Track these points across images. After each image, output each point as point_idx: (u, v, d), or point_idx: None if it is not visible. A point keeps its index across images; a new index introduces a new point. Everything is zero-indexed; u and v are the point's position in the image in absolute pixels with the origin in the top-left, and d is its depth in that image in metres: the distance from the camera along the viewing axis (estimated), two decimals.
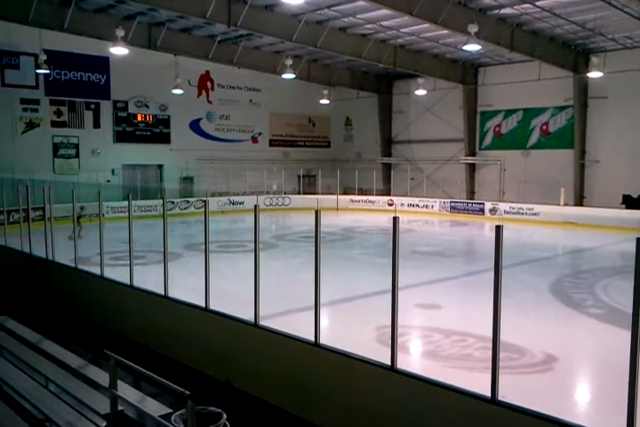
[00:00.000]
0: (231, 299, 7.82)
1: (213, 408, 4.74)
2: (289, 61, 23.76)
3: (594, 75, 21.06)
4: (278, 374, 6.35)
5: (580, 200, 25.13)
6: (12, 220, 15.41)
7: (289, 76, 23.93)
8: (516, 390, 4.91)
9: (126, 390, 5.25)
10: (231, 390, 6.66)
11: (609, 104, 24.32)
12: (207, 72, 29.43)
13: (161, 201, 18.40)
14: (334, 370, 5.80)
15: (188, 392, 3.94)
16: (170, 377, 4.30)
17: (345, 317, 9.43)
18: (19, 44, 23.17)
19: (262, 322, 6.59)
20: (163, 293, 8.03)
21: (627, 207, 21.67)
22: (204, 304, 7.27)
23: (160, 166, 28.25)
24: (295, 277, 11.78)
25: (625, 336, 4.02)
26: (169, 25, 22.20)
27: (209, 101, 30.04)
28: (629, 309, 3.95)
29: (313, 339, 5.91)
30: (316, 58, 27.90)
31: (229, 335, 7.03)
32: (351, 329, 8.47)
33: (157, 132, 28.06)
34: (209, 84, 29.98)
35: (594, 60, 21.49)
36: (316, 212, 5.82)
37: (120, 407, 4.86)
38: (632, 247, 3.98)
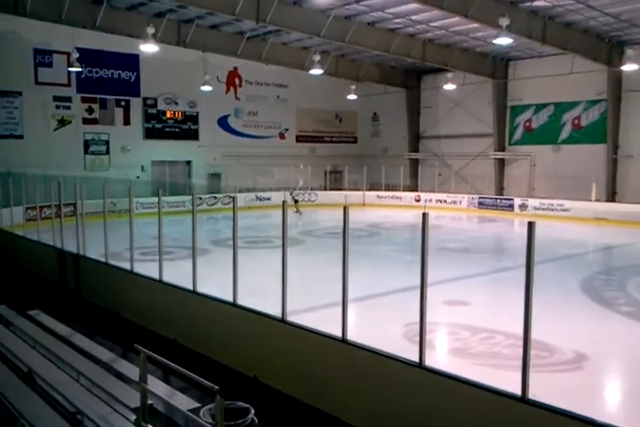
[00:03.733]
0: (259, 294, 7.86)
1: (241, 403, 4.78)
2: (317, 57, 23.71)
3: (628, 67, 20.59)
4: (305, 370, 6.36)
5: (612, 196, 24.60)
6: (44, 215, 15.73)
7: (317, 71, 23.88)
8: (545, 389, 4.84)
9: (156, 385, 5.33)
10: (258, 386, 6.70)
11: None
12: (235, 68, 29.57)
13: (189, 197, 18.58)
14: (361, 367, 5.79)
15: (216, 387, 3.97)
16: (198, 372, 4.34)
17: (372, 313, 9.40)
18: (52, 42, 23.61)
19: (289, 318, 6.61)
20: (191, 288, 8.11)
21: None
22: (231, 299, 7.32)
23: (188, 162, 28.53)
24: (322, 273, 11.74)
25: None
26: (198, 22, 22.34)
27: (237, 98, 30.19)
28: None
29: (340, 335, 5.91)
30: (343, 53, 27.79)
31: (257, 331, 7.07)
32: (378, 326, 8.44)
33: (186, 128, 28.33)
34: (237, 80, 30.13)
35: (628, 52, 21.00)
36: (345, 208, 5.81)
37: (150, 402, 4.93)
38: None
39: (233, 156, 28.59)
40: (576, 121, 26.33)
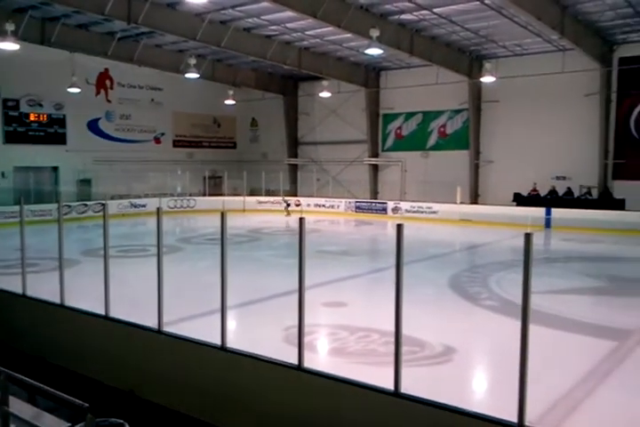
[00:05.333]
0: (134, 306, 7.59)
1: (115, 420, 4.58)
2: (192, 61, 23.34)
3: (486, 80, 22.25)
4: (184, 381, 6.23)
5: (475, 198, 26.51)
6: None
7: (192, 75, 23.49)
8: (417, 382, 5.11)
9: (19, 407, 4.95)
10: (135, 400, 6.46)
11: (500, 108, 25.83)
12: (106, 70, 28.25)
13: (56, 205, 17.49)
14: (242, 373, 5.78)
15: (86, 405, 3.78)
16: (71, 390, 4.11)
17: (253, 318, 9.40)
18: None
19: (167, 328, 6.45)
20: (59, 301, 7.65)
21: (517, 205, 23.08)
22: (103, 312, 7.00)
23: (55, 168, 26.81)
24: (201, 280, 11.57)
25: (516, 326, 4.30)
26: (64, 20, 21.12)
27: (108, 101, 28.87)
28: (520, 300, 4.24)
29: (219, 343, 5.86)
30: (220, 58, 27.58)
31: (132, 343, 6.82)
32: (259, 331, 8.45)
33: (52, 132, 26.60)
34: (108, 82, 28.81)
35: (487, 65, 22.70)
36: (222, 213, 5.78)
37: (12, 425, 4.58)
38: (522, 242, 4.27)
39: (105, 161, 27.25)
40: (442, 129, 28.08)
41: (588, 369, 7.00)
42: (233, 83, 29.78)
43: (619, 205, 21.39)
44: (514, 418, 4.14)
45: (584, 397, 6.22)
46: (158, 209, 6.44)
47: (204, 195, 29.97)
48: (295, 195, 30.11)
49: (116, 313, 6.98)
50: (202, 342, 6.08)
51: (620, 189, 22.97)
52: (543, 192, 23.59)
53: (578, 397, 6.19)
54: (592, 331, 8.83)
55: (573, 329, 8.86)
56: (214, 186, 31.57)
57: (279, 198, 28.78)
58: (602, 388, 6.53)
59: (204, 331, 6.30)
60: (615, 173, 23.56)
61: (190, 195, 29.09)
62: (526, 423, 4.13)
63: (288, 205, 27.13)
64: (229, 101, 29.81)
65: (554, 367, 6.84)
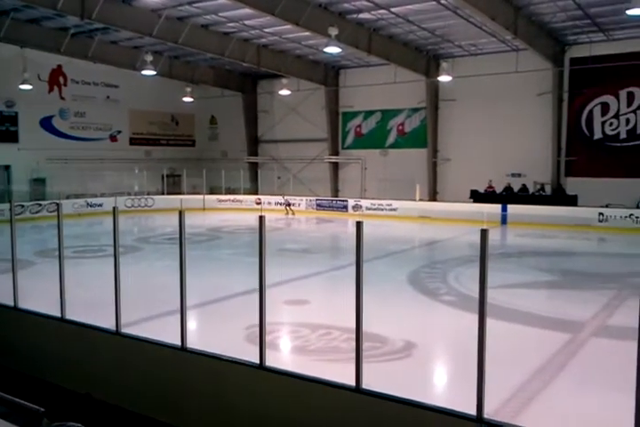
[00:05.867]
0: (90, 307, 7.44)
1: (73, 423, 4.46)
2: (149, 57, 22.97)
3: (443, 79, 22.62)
4: (144, 383, 6.14)
5: (433, 196, 26.91)
6: None
7: (149, 72, 23.12)
8: (378, 378, 5.16)
9: None
10: (93, 403, 6.33)
11: (457, 106, 26.25)
12: (59, 66, 27.54)
13: (8, 205, 16.98)
14: (203, 373, 5.72)
15: (42, 409, 3.68)
16: (26, 395, 4.00)
17: (213, 318, 9.33)
18: None
19: (126, 329, 6.34)
20: (12, 304, 7.43)
21: (474, 201, 23.52)
22: (59, 314, 6.84)
23: (7, 167, 25.99)
24: (160, 280, 11.41)
25: (474, 320, 4.38)
26: (14, 15, 20.47)
27: (62, 98, 28.15)
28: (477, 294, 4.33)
29: (179, 343, 5.79)
30: (177, 55, 27.21)
31: (89, 346, 6.67)
32: (220, 330, 8.40)
33: (3, 130, 25.79)
34: (61, 79, 28.09)
35: (443, 65, 23.08)
36: (180, 212, 5.71)
37: None
38: (479, 238, 4.35)
39: (59, 159, 26.56)
40: (400, 127, 28.38)
41: (543, 361, 7.19)
42: (191, 80, 29.43)
43: (571, 201, 22.03)
44: (473, 411, 4.23)
45: (540, 389, 6.39)
46: (114, 208, 6.32)
47: (163, 193, 29.52)
48: (256, 193, 29.97)
49: (72, 315, 6.83)
50: (161, 342, 6.00)
51: (572, 185, 23.66)
52: (499, 189, 24.11)
53: (534, 389, 6.36)
54: (547, 324, 9.07)
55: (529, 322, 9.08)
56: (173, 184, 31.16)
57: (239, 197, 28.61)
58: (557, 379, 6.72)
59: (164, 332, 6.22)
60: (568, 170, 24.25)
61: (148, 194, 28.61)
62: (485, 416, 4.22)
63: (289, 204, 26.94)
64: (187, 99, 29.44)
65: (511, 360, 7.00)
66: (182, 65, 28.59)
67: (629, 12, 14.80)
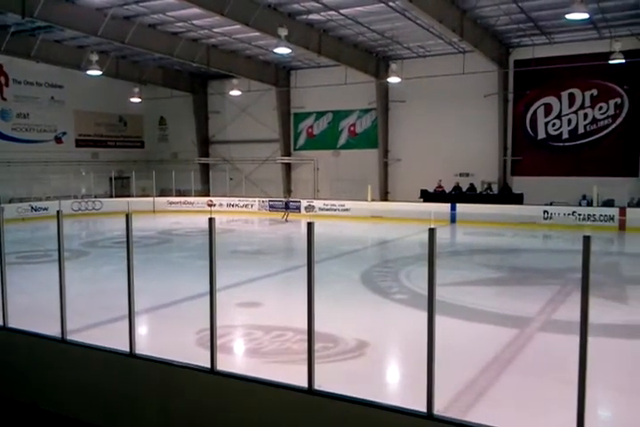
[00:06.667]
0: (35, 314, 7.21)
1: None
2: (94, 57, 22.41)
3: (393, 80, 22.92)
4: (91, 391, 5.96)
5: (385, 196, 27.22)
6: None
7: (95, 72, 22.58)
8: (331, 378, 5.17)
9: None
10: (39, 413, 6.12)
11: (407, 107, 26.65)
12: (0, 66, 26.58)
13: None
14: (153, 379, 5.61)
15: None
16: None
17: (164, 323, 9.17)
18: None
19: (72, 336, 6.16)
20: None
21: (424, 201, 23.93)
22: (1, 322, 6.59)
23: None
24: (109, 285, 11.15)
25: (425, 318, 4.43)
26: None
27: (3, 98, 27.18)
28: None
29: (128, 350, 5.66)
30: (125, 54, 26.66)
31: (33, 354, 6.44)
32: (171, 335, 8.26)
33: None
34: (2, 79, 27.11)
35: (392, 66, 23.38)
36: (127, 215, 5.59)
37: None
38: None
39: (1, 162, 25.61)
40: (352, 128, 28.61)
41: (492, 356, 7.36)
42: (139, 80, 28.88)
43: (517, 199, 22.68)
44: (424, 408, 4.28)
45: (489, 384, 6.54)
46: (58, 212, 6.13)
47: (111, 196, 28.84)
48: (208, 194, 29.63)
49: (15, 323, 6.59)
50: (109, 349, 5.85)
51: (518, 184, 24.37)
52: (448, 188, 24.61)
53: (484, 384, 6.50)
54: (495, 319, 9.31)
55: (478, 319, 9.29)
56: (121, 187, 30.45)
57: (190, 199, 28.23)
58: (505, 374, 6.89)
59: (112, 338, 6.07)
60: (513, 169, 24.96)
61: (96, 197, 27.89)
62: (435, 412, 4.28)
63: (287, 207, 24.92)
64: (135, 99, 28.88)
65: (461, 356, 7.14)
66: (130, 65, 28.03)
67: (569, 17, 15.37)
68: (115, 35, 20.56)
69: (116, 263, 13.55)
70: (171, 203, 28.85)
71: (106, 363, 5.85)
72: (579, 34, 21.90)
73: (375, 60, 25.80)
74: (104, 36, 20.23)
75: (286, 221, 23.79)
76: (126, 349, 5.67)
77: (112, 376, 5.86)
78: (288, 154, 30.27)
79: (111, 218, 24.00)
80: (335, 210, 25.43)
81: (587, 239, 3.58)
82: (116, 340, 5.92)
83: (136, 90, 28.68)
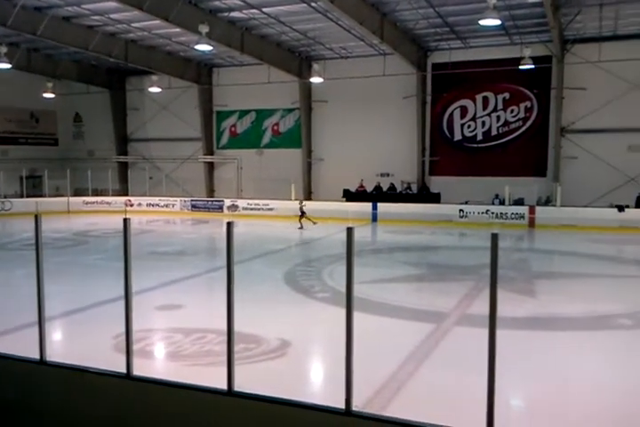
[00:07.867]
0: None
1: None
2: (3, 49, 21.19)
3: (315, 80, 23.08)
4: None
5: (308, 195, 27.37)
6: None
7: (4, 65, 21.34)
8: (253, 379, 5.15)
9: None
10: None
11: (329, 107, 26.93)
12: None
13: None
14: (65, 387, 5.38)
15: None
16: None
17: (79, 328, 8.83)
18: None
19: None
20: None
21: (347, 200, 24.28)
22: None
23: None
24: (19, 290, 10.61)
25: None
26: None
27: None
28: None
29: (38, 357, 5.40)
30: (37, 47, 25.38)
31: None
32: (87, 340, 7.96)
33: None
34: None
35: (315, 66, 23.54)
36: (36, 216, 5.33)
37: None
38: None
39: None
40: (275, 127, 28.58)
41: (410, 351, 7.57)
42: (52, 75, 27.58)
43: (435, 198, 23.45)
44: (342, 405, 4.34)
45: (407, 378, 6.72)
46: None
47: (22, 196, 27.39)
48: (126, 194, 28.72)
49: None
50: (17, 357, 5.55)
51: (435, 183, 25.19)
52: (369, 188, 25.07)
53: (401, 378, 6.68)
54: (413, 315, 9.59)
55: (398, 315, 9.54)
56: (33, 186, 28.96)
57: (108, 199, 27.28)
58: (422, 368, 7.10)
59: (21, 345, 5.77)
60: (431, 169, 25.77)
61: (5, 197, 26.41)
62: (353, 408, 4.35)
63: (303, 213, 22.05)
64: (48, 95, 27.56)
65: (379, 352, 7.29)
66: (42, 58, 26.72)
67: (482, 22, 16.00)
68: (26, 26, 19.56)
69: (28, 266, 12.93)
70: (86, 203, 27.75)
71: (12, 371, 5.56)
72: (492, 39, 22.88)
73: (298, 60, 25.88)
74: (13, 27, 19.20)
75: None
76: (36, 356, 5.42)
77: (19, 385, 5.57)
78: (211, 153, 29.84)
79: (22, 219, 22.78)
80: (259, 209, 25.33)
81: (494, 237, 3.74)
82: (25, 347, 5.63)
83: (49, 84, 27.36)
